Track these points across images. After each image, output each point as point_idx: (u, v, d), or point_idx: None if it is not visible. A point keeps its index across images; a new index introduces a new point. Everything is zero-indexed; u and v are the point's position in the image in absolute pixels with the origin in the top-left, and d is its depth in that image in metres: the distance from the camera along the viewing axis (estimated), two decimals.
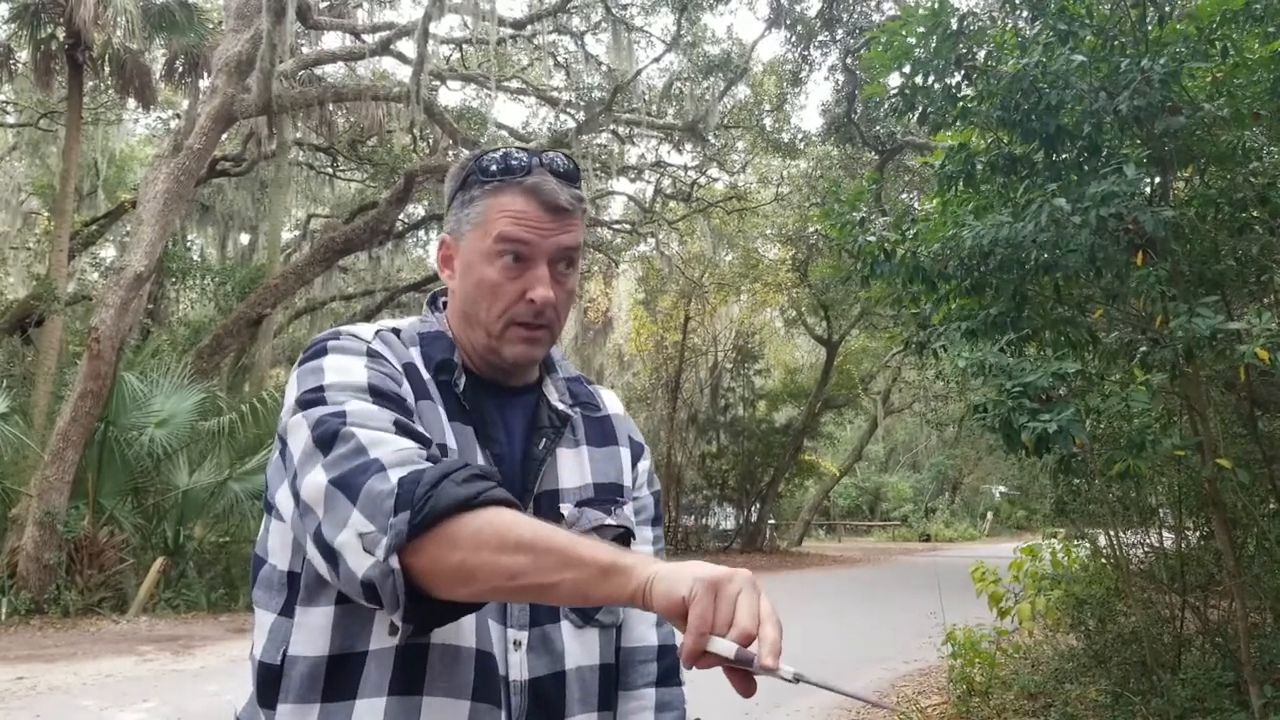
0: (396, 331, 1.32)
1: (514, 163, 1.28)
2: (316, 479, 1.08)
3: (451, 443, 1.22)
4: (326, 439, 1.10)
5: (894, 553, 27.62)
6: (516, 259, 1.26)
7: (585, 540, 1.03)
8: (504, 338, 1.28)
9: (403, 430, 1.12)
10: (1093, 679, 5.98)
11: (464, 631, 1.18)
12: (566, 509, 1.30)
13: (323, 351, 1.22)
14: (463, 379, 1.29)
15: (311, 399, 1.16)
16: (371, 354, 1.23)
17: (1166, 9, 4.27)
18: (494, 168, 1.28)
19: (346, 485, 1.05)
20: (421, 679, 1.16)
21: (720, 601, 0.91)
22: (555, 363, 1.41)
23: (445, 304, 1.38)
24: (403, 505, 1.01)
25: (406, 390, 1.22)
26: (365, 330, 1.29)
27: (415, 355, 1.29)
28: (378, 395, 1.16)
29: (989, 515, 37.18)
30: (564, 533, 1.03)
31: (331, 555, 1.05)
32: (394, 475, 1.04)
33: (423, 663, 1.16)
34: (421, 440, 1.13)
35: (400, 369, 1.25)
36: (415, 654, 1.16)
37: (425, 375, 1.27)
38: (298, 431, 1.14)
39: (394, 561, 1.00)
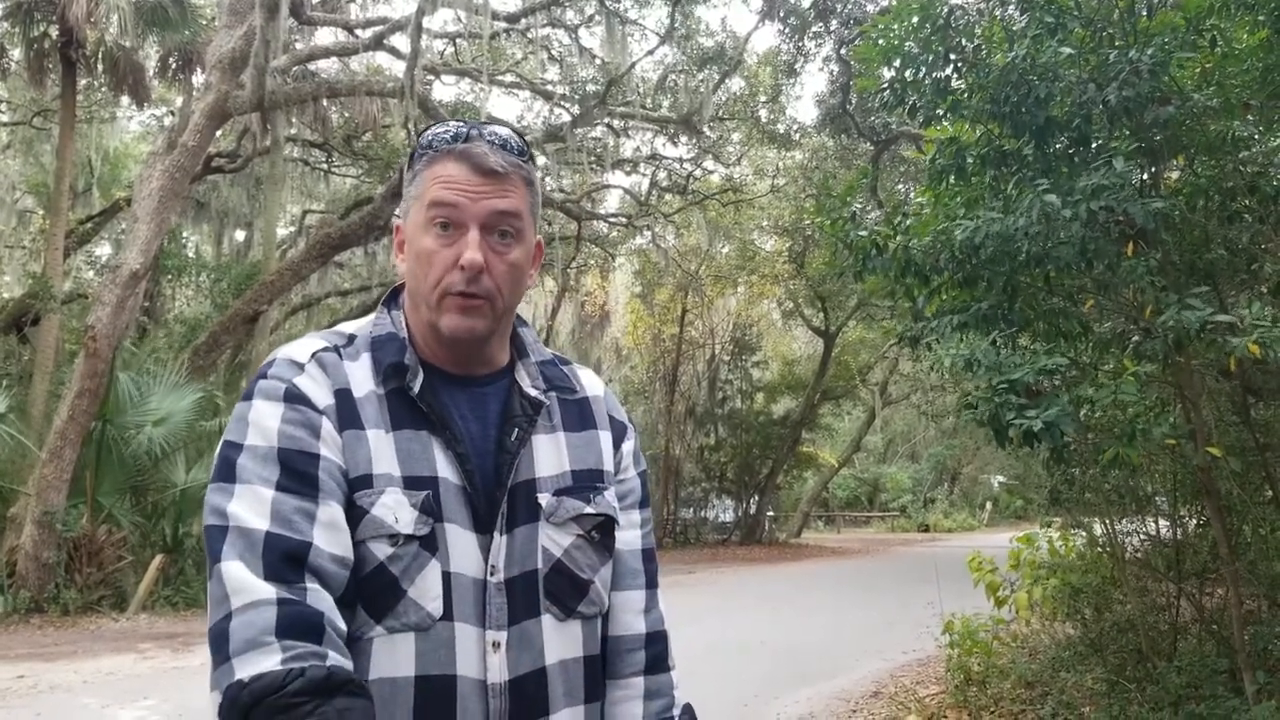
0: (352, 338, 1.30)
1: (449, 133, 1.28)
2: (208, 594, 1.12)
3: (381, 469, 1.19)
4: (210, 553, 1.12)
5: (893, 543, 27.68)
6: (447, 224, 1.24)
7: None
8: (440, 309, 1.25)
9: (277, 557, 1.10)
10: (1089, 667, 6.00)
11: (442, 660, 1.18)
12: (544, 499, 1.28)
13: (251, 395, 1.21)
14: (418, 379, 1.26)
15: (220, 472, 1.16)
16: (290, 398, 1.20)
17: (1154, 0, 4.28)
18: (430, 139, 1.28)
19: (212, 644, 1.08)
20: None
21: None
22: (526, 346, 1.38)
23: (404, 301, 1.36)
24: None
25: (327, 432, 1.19)
26: (302, 353, 1.25)
27: (363, 366, 1.26)
28: (284, 470, 1.15)
29: (988, 505, 37.22)
30: None
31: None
32: (224, 679, 1.04)
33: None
34: (293, 560, 1.10)
35: (331, 400, 1.21)
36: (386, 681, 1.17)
37: (369, 389, 1.24)
38: (208, 504, 1.16)
39: None
